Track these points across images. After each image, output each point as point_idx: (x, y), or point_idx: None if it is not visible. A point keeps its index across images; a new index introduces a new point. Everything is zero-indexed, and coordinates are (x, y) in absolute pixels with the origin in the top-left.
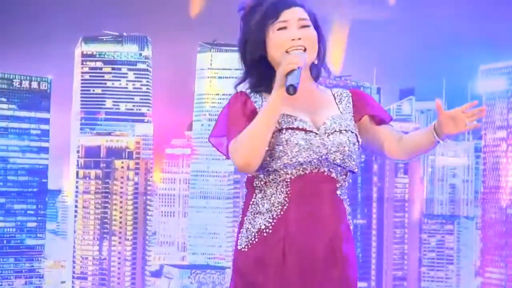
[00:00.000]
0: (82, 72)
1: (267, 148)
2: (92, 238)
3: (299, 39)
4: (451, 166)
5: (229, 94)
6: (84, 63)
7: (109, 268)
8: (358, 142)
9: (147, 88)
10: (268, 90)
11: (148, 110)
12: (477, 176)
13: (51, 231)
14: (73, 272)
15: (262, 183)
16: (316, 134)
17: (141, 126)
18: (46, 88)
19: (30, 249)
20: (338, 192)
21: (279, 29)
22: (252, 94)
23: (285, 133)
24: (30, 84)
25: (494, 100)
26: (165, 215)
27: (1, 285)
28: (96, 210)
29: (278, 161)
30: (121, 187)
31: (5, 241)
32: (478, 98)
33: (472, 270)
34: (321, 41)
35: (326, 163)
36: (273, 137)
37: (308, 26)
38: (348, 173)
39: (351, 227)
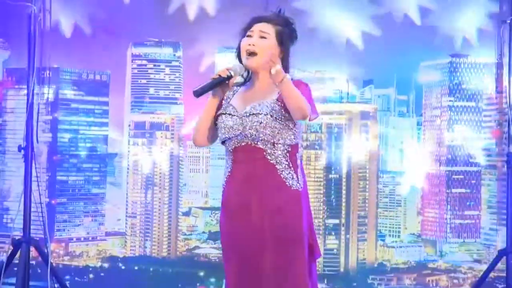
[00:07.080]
0: (132, 68)
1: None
2: (140, 188)
3: (253, 45)
4: (400, 136)
5: None
6: (133, 61)
7: (152, 209)
8: (277, 120)
9: (179, 80)
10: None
11: (180, 95)
12: (419, 143)
13: (110, 183)
14: (126, 213)
15: (225, 151)
16: (238, 117)
17: (175, 107)
18: (106, 79)
19: (95, 196)
20: (268, 157)
21: (245, 36)
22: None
23: (221, 117)
24: (94, 77)
25: (431, 88)
26: (192, 172)
27: (74, 222)
28: (142, 168)
29: (219, 137)
30: (161, 151)
31: (76, 190)
32: (419, 87)
33: (415, 211)
34: (282, 50)
35: (249, 137)
36: (218, 120)
37: (264, 37)
38: (277, 144)
39: (287, 182)
